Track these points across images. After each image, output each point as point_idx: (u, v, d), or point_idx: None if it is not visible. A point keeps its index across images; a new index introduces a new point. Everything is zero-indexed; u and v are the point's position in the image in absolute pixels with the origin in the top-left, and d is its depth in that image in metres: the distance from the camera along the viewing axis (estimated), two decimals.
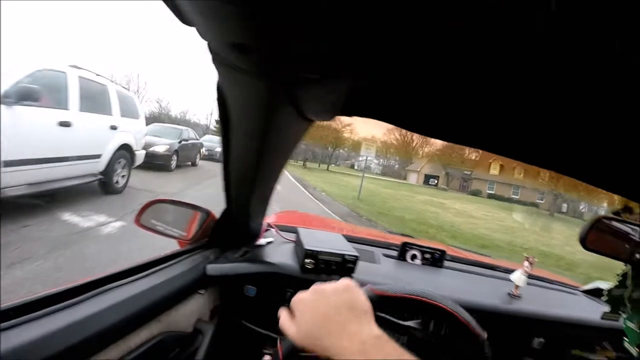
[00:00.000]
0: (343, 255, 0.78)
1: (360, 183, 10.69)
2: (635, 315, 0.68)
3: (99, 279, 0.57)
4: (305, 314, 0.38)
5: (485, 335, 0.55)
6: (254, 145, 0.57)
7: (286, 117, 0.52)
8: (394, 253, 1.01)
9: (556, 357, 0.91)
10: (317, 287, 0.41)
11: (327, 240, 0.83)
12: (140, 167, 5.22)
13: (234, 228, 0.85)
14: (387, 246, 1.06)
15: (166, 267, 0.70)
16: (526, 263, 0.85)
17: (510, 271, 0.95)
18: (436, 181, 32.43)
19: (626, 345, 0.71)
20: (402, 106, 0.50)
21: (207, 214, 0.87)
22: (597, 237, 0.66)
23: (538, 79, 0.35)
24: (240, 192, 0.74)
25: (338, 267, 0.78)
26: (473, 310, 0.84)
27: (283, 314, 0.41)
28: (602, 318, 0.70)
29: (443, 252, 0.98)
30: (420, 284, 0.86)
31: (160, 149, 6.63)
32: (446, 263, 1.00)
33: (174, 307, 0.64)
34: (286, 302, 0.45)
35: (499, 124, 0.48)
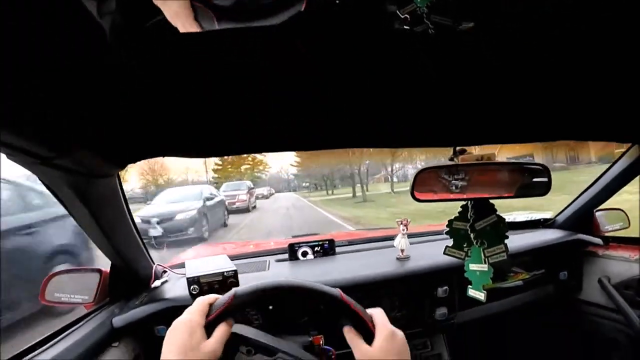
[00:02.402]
0: (222, 272, 0.82)
1: None
2: (477, 251, 0.72)
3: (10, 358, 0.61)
4: (393, 348, 0.46)
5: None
6: (87, 214, 0.65)
7: (84, 184, 0.59)
8: (286, 256, 1.04)
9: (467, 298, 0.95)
10: (404, 338, 0.48)
11: (209, 265, 0.87)
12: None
13: (126, 278, 0.88)
14: (282, 252, 1.10)
15: (75, 330, 0.75)
16: (401, 227, 0.89)
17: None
18: None
19: (471, 293, 0.74)
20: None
21: (100, 273, 0.90)
22: (422, 189, 0.70)
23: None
24: (110, 249, 0.79)
25: (220, 284, 0.82)
26: (366, 283, 0.88)
27: (353, 332, 0.48)
28: (444, 253, 0.73)
29: (331, 240, 1.02)
30: (311, 275, 0.90)
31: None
32: (339, 249, 1.04)
33: None
34: None
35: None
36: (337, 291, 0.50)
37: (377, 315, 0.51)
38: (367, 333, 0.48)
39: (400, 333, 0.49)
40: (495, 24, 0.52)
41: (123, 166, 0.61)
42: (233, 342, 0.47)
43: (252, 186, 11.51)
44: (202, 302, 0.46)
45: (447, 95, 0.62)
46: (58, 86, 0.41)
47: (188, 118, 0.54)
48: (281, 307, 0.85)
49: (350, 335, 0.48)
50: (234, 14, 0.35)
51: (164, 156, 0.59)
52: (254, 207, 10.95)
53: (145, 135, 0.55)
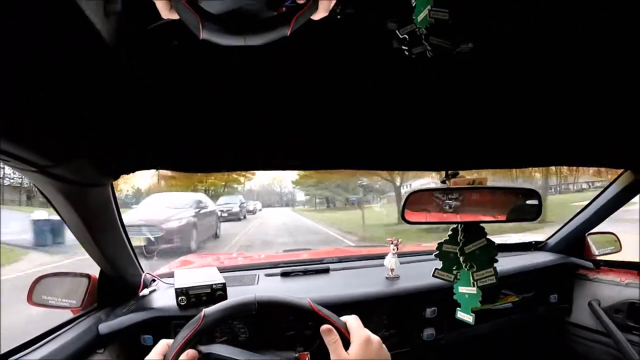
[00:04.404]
0: (211, 285, 0.81)
1: None
2: (466, 274, 0.72)
3: None
4: (369, 354, 0.47)
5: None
6: (80, 222, 0.65)
7: (80, 195, 0.59)
8: (277, 270, 1.05)
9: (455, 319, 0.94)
10: (380, 342, 0.49)
11: (198, 276, 0.87)
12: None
13: (114, 285, 0.88)
14: (272, 266, 1.10)
15: (60, 335, 0.74)
16: (392, 246, 0.89)
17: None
18: None
19: (459, 315, 0.74)
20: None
21: (89, 278, 0.90)
22: (412, 211, 0.70)
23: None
24: (100, 256, 0.79)
25: (208, 297, 0.82)
26: (355, 302, 0.88)
27: (334, 334, 0.48)
28: (433, 275, 0.73)
29: (327, 270, 1.03)
30: (301, 291, 0.90)
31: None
32: (332, 265, 1.04)
33: None
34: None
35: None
36: (306, 301, 0.51)
37: (351, 321, 0.50)
38: (343, 340, 0.47)
39: (376, 338, 0.48)
40: (491, 48, 0.53)
41: (117, 177, 0.61)
42: None
43: None
44: (161, 343, 0.48)
45: (441, 119, 0.63)
46: (56, 96, 0.41)
47: (183, 132, 0.54)
48: (267, 321, 0.85)
49: (330, 337, 0.47)
50: (222, 22, 0.32)
51: (157, 169, 0.60)
52: None
53: (139, 148, 0.56)
